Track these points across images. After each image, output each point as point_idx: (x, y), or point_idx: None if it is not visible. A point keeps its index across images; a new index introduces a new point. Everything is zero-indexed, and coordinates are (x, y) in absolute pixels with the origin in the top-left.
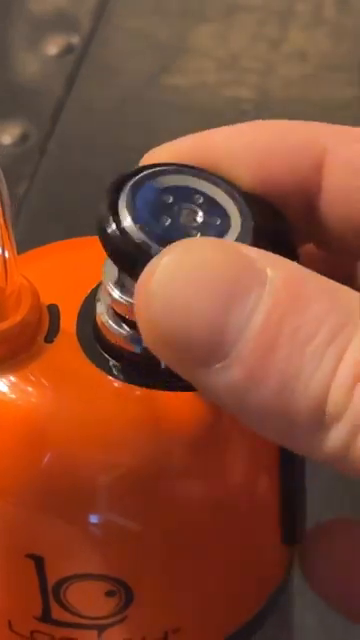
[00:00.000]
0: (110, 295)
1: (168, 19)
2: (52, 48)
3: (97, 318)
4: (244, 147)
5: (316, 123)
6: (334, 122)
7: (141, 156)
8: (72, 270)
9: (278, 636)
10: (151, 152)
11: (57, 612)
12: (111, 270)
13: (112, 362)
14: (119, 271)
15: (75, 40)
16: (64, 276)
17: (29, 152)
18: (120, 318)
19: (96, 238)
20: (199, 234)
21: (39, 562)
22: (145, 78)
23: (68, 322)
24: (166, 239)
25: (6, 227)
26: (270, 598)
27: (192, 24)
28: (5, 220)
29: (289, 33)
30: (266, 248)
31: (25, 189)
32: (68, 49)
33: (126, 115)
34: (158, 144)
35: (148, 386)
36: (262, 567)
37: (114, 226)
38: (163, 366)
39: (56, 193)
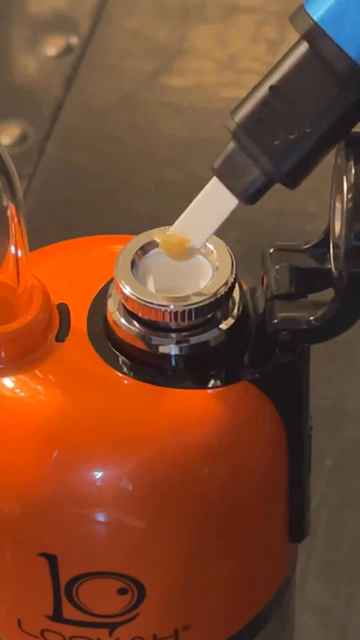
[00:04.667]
0: (122, 292)
1: (167, 20)
2: (51, 49)
3: (108, 316)
4: None
5: None
6: None
7: (140, 156)
8: (80, 269)
9: (278, 636)
10: None
11: (68, 611)
12: (124, 267)
13: (123, 359)
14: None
15: (74, 41)
16: (72, 275)
17: (28, 152)
18: (132, 315)
19: (102, 237)
20: None
21: (52, 560)
22: (144, 78)
23: (78, 321)
24: None
25: (19, 226)
26: (274, 596)
27: (191, 25)
28: (19, 219)
29: (288, 34)
30: None
31: (24, 189)
32: (67, 50)
33: (125, 115)
34: (157, 144)
35: (159, 384)
36: (268, 565)
37: None
38: (173, 364)
39: (55, 193)
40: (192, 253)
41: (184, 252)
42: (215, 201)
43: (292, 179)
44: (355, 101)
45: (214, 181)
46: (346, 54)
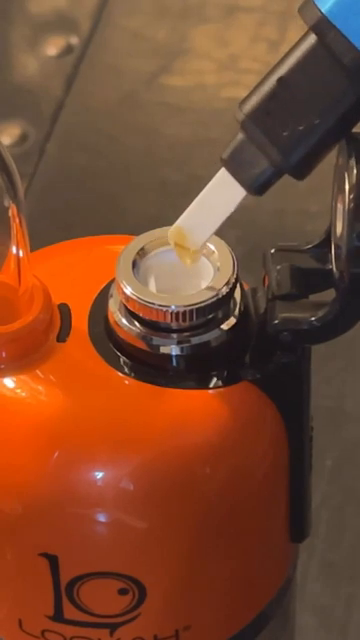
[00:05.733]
0: (123, 292)
1: (167, 20)
2: (51, 49)
3: (109, 316)
4: None
5: None
6: None
7: (141, 156)
8: (81, 269)
9: (279, 636)
10: None
11: (69, 611)
12: (125, 267)
13: (124, 360)
14: None
15: (74, 41)
16: (73, 275)
17: (28, 152)
18: (133, 316)
19: (103, 237)
20: None
21: (53, 561)
22: (144, 79)
23: (79, 321)
24: None
25: (21, 226)
26: (275, 596)
27: (191, 25)
28: (20, 219)
29: (288, 34)
30: None
31: (24, 189)
32: (67, 50)
33: (125, 116)
34: (157, 144)
35: (160, 384)
36: (269, 565)
37: None
38: (174, 364)
39: (55, 193)
40: (200, 254)
41: (195, 257)
42: (223, 193)
43: (301, 170)
44: None
45: (222, 172)
46: (354, 46)
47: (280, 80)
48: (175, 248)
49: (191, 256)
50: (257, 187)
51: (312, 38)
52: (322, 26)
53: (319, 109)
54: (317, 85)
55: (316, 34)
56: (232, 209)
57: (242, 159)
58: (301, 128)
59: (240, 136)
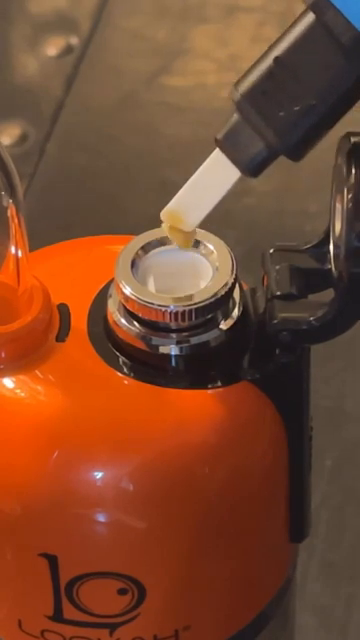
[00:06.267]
0: (122, 292)
1: (168, 20)
2: (51, 49)
3: (108, 316)
4: None
5: None
6: None
7: (141, 156)
8: (80, 269)
9: (279, 636)
10: None
11: (69, 611)
12: (124, 267)
13: (123, 360)
14: None
15: (74, 41)
16: (72, 275)
17: (28, 152)
18: (132, 316)
19: (102, 237)
20: None
21: (52, 561)
22: (144, 79)
23: (79, 321)
24: None
25: (19, 226)
26: (275, 596)
27: (191, 25)
28: (19, 219)
29: None
30: None
31: (24, 189)
32: (67, 50)
33: (126, 116)
34: (157, 145)
35: (159, 384)
36: (269, 565)
37: None
38: (174, 364)
39: (55, 193)
40: (193, 236)
41: (189, 239)
42: (217, 174)
43: (296, 151)
44: None
45: (216, 153)
46: (352, 25)
47: (277, 60)
48: (168, 230)
49: (184, 238)
50: (252, 168)
51: (310, 17)
52: (320, 4)
53: (316, 89)
54: (314, 65)
55: (314, 13)
56: (226, 190)
57: (237, 140)
58: (297, 108)
59: (235, 116)
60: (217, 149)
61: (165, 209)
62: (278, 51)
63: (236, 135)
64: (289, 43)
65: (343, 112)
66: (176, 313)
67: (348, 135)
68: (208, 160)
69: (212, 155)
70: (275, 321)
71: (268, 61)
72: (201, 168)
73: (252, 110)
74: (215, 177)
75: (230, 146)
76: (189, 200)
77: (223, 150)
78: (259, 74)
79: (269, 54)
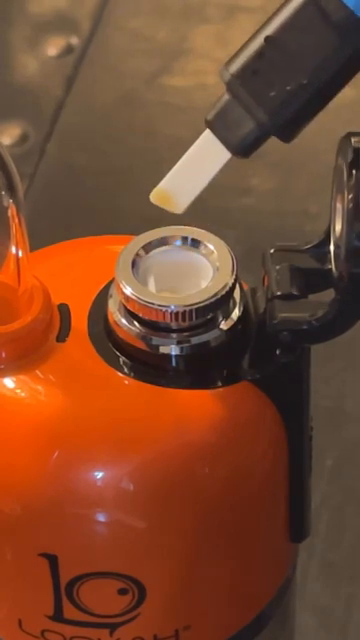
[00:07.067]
0: (123, 293)
1: (168, 20)
2: (52, 49)
3: (109, 316)
4: None
5: None
6: (333, 122)
7: (140, 157)
8: (80, 269)
9: (279, 635)
10: None
11: (69, 611)
12: (125, 267)
13: (124, 360)
14: None
15: (75, 41)
16: (73, 275)
17: (29, 152)
18: (132, 316)
19: (102, 237)
20: None
21: (53, 561)
22: (145, 79)
23: (79, 321)
24: None
25: (20, 226)
26: (275, 596)
27: (192, 25)
28: (20, 219)
29: None
30: None
31: (25, 189)
32: (68, 50)
33: (126, 116)
34: (158, 145)
35: (159, 384)
36: (269, 565)
37: None
38: (174, 364)
39: (55, 193)
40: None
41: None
42: (207, 154)
43: (287, 132)
44: (352, 52)
45: (207, 134)
46: (344, 4)
47: (268, 39)
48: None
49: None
50: (242, 149)
51: None
52: None
53: (307, 69)
54: (306, 44)
55: None
56: (216, 171)
57: (227, 120)
58: (288, 88)
59: (226, 97)
60: (207, 130)
61: (154, 190)
62: (269, 30)
63: (226, 115)
64: (280, 22)
65: (334, 92)
66: (176, 313)
67: (348, 136)
68: (198, 141)
69: (202, 136)
70: (275, 321)
71: (259, 40)
72: (191, 149)
73: (243, 90)
74: (205, 158)
75: (220, 127)
76: (178, 182)
77: (213, 131)
78: (250, 54)
79: (260, 34)
